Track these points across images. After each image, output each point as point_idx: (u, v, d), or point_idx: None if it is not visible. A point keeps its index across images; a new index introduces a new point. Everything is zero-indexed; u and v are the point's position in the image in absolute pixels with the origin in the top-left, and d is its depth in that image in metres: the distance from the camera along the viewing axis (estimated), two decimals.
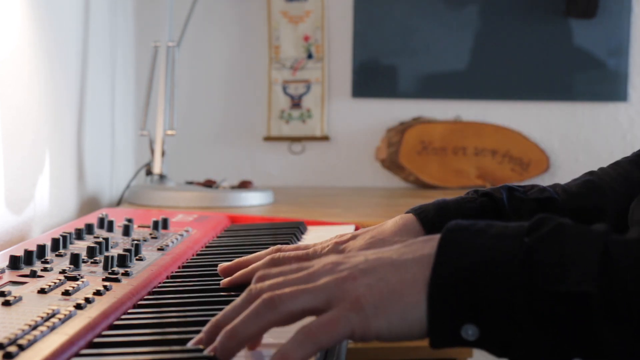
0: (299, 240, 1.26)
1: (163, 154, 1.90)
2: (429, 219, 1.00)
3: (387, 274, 0.64)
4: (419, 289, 0.63)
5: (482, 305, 0.61)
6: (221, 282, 0.91)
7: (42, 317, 0.71)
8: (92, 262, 0.97)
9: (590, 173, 1.09)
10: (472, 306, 0.61)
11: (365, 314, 0.63)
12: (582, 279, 0.59)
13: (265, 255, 0.92)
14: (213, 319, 0.68)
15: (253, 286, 0.68)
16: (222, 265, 0.94)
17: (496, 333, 0.61)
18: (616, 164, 1.10)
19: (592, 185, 1.05)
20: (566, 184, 1.07)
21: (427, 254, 0.64)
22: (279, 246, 0.94)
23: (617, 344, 0.59)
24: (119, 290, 0.85)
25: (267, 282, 0.67)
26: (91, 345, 0.71)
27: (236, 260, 0.93)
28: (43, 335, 0.68)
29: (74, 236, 1.12)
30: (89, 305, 0.78)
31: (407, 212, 1.02)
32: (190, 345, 0.68)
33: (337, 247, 0.94)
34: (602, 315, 0.59)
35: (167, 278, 0.99)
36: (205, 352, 0.65)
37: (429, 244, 0.65)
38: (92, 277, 0.90)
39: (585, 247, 0.61)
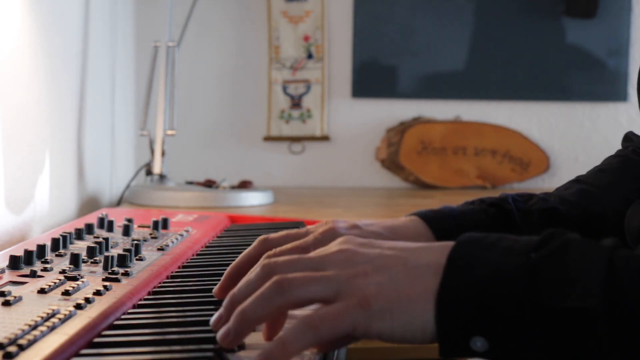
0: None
1: (163, 154, 1.90)
2: (436, 223, 0.94)
3: (400, 275, 0.64)
4: (428, 298, 0.62)
5: (490, 319, 0.61)
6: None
7: (42, 317, 0.71)
8: (92, 262, 0.97)
9: (577, 181, 1.06)
10: (480, 319, 0.61)
11: (371, 314, 0.62)
12: (586, 294, 0.59)
13: (255, 253, 0.83)
14: (230, 293, 0.69)
15: (266, 261, 0.68)
16: (215, 289, 0.83)
17: (505, 346, 0.61)
18: (600, 170, 1.07)
19: (587, 192, 1.04)
20: (560, 193, 1.04)
21: (439, 263, 0.64)
22: (264, 237, 0.85)
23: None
24: (119, 290, 0.85)
25: (281, 259, 0.67)
26: (91, 345, 0.71)
27: (226, 273, 0.83)
28: (43, 335, 0.68)
29: (74, 236, 1.12)
30: (89, 305, 0.78)
31: (410, 215, 0.95)
32: (211, 322, 0.69)
33: (337, 230, 0.84)
34: (605, 332, 0.59)
35: (167, 278, 0.99)
36: (220, 334, 0.66)
37: (443, 252, 0.65)
38: (92, 277, 0.90)
39: (590, 263, 0.61)
